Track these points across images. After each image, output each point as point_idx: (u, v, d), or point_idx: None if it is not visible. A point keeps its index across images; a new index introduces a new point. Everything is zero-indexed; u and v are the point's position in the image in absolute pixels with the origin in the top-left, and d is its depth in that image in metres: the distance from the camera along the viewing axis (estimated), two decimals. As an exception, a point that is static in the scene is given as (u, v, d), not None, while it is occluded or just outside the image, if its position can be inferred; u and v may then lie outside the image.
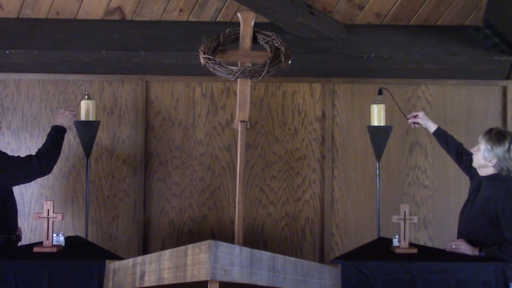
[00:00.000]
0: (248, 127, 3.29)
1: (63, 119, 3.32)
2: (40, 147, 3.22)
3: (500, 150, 2.89)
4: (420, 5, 4.09)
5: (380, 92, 3.65)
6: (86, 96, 3.60)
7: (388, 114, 3.86)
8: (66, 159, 3.98)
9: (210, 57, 3.20)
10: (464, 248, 2.94)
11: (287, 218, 4.06)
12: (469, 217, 3.05)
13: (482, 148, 2.96)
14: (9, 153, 3.93)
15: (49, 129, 3.99)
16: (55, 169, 3.94)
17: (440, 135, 3.37)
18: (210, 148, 4.04)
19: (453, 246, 2.99)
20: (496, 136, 2.93)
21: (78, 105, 3.64)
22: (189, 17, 4.11)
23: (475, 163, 3.05)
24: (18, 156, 3.16)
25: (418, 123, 3.44)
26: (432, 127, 3.39)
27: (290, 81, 4.03)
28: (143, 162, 3.99)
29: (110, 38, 3.93)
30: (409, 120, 3.48)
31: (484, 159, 2.95)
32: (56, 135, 3.26)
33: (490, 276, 2.75)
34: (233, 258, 2.06)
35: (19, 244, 3.22)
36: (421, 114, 3.43)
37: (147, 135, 4.02)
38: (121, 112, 4.01)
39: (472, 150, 3.08)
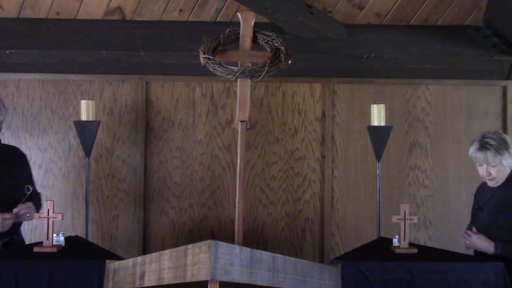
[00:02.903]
0: (248, 127, 3.29)
1: None
2: None
3: None
4: (420, 5, 4.09)
5: None
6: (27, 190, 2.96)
7: (388, 114, 3.86)
8: (66, 159, 3.98)
9: (210, 57, 3.20)
10: (475, 241, 2.82)
11: (287, 218, 4.06)
12: (485, 222, 2.88)
13: (504, 160, 2.81)
14: (9, 153, 3.94)
15: (49, 129, 4.01)
16: (55, 169, 3.96)
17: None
18: (210, 148, 4.04)
19: (467, 242, 2.91)
20: (503, 139, 2.83)
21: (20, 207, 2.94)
22: (189, 17, 4.11)
23: (500, 180, 2.85)
24: None
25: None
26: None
27: (290, 81, 4.03)
28: (143, 162, 3.99)
29: (110, 38, 3.93)
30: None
31: None
32: None
33: (490, 276, 2.74)
34: (233, 258, 2.05)
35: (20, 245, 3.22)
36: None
37: (147, 135, 4.02)
38: (121, 112, 4.01)
39: (489, 177, 2.86)
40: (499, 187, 2.91)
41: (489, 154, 2.81)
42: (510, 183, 2.87)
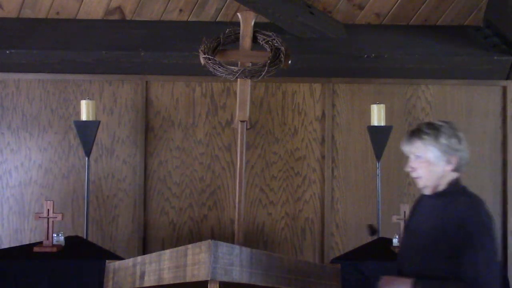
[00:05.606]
0: (248, 127, 3.30)
1: None
2: None
3: (453, 140, 2.06)
4: (420, 5, 4.09)
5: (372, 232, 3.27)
6: None
7: (388, 114, 3.86)
8: (66, 159, 3.98)
9: (210, 57, 3.21)
10: None
11: (287, 218, 4.06)
12: (414, 247, 2.14)
13: (432, 154, 2.07)
14: (9, 153, 3.96)
15: (49, 129, 4.02)
16: (55, 169, 3.96)
17: None
18: (210, 148, 4.04)
19: None
20: (433, 128, 2.10)
21: None
22: (189, 17, 4.11)
23: (428, 181, 2.10)
24: None
25: None
26: None
27: (290, 81, 4.03)
28: (143, 162, 3.99)
29: (110, 38, 3.93)
30: None
31: (447, 162, 2.06)
32: None
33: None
34: (233, 258, 2.06)
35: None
36: None
37: (147, 135, 4.02)
38: (121, 112, 4.01)
39: (414, 173, 2.14)
40: (434, 202, 2.11)
41: (413, 140, 2.13)
42: (450, 196, 2.08)
